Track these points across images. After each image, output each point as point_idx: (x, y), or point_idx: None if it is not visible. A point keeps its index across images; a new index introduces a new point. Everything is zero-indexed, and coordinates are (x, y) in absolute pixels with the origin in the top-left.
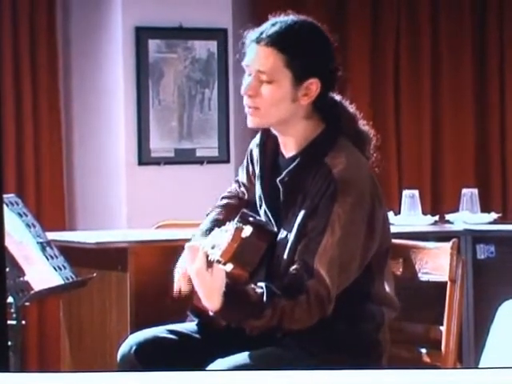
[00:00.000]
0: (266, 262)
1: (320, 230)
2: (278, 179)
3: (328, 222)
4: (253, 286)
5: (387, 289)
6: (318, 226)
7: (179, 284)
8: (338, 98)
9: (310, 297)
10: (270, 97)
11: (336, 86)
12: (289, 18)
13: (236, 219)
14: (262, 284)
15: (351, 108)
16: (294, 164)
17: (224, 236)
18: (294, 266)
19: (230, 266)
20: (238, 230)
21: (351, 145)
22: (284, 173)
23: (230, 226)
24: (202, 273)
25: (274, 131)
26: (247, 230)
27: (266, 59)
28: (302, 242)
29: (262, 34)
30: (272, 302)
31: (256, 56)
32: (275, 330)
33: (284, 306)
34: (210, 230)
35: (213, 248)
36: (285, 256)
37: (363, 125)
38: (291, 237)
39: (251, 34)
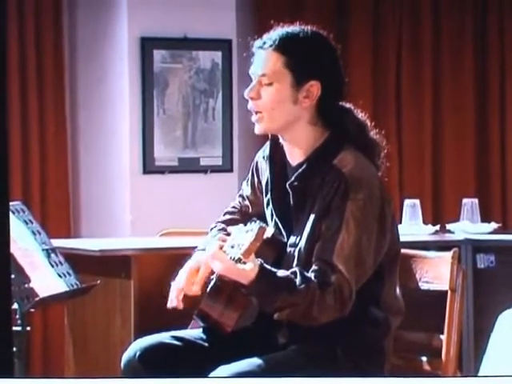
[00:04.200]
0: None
1: (335, 229)
2: (287, 183)
3: (343, 221)
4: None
5: (398, 293)
6: (333, 225)
7: (175, 299)
8: (347, 105)
9: (336, 290)
10: (270, 99)
11: (343, 93)
12: (294, 26)
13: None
14: (295, 268)
15: (362, 116)
16: (303, 168)
17: (245, 236)
18: (314, 265)
19: (250, 265)
20: (262, 230)
21: (357, 152)
22: (293, 177)
23: (253, 226)
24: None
25: (281, 140)
26: (269, 231)
27: (267, 61)
28: (318, 243)
29: (265, 39)
30: (306, 282)
31: (259, 60)
32: (300, 318)
33: (316, 290)
34: None
35: (232, 247)
36: (295, 260)
37: (374, 134)
38: (303, 239)
39: (257, 42)
